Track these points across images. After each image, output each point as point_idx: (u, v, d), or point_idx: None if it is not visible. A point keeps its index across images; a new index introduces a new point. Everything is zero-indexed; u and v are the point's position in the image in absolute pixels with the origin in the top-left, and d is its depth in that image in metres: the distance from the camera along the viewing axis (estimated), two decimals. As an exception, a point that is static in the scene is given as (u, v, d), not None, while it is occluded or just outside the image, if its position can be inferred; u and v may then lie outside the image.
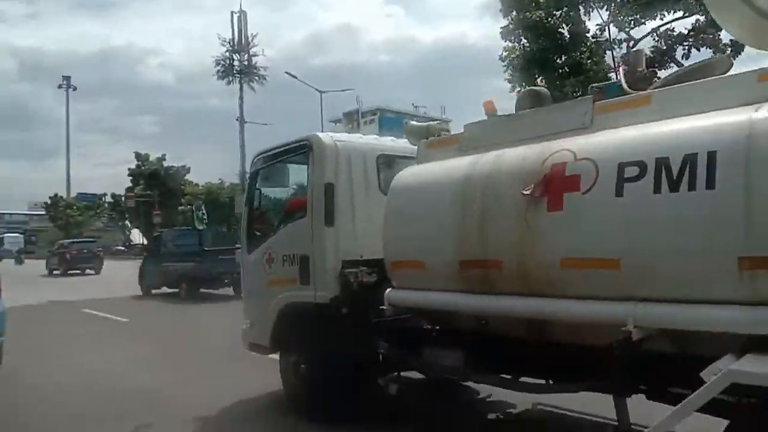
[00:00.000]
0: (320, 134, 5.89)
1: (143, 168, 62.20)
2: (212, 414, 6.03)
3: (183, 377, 7.60)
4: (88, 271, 31.28)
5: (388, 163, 5.95)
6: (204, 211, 31.85)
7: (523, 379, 4.58)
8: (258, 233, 6.51)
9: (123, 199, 62.82)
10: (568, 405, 5.21)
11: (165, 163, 59.53)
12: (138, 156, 64.48)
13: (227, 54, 38.21)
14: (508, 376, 4.59)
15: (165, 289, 18.89)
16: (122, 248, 52.04)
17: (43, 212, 71.83)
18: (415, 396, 6.14)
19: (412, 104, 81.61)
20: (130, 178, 65.62)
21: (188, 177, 58.22)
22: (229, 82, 38.35)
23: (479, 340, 4.68)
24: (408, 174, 5.14)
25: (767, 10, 3.61)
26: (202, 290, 17.84)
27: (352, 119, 71.68)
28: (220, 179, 52.64)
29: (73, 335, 11.19)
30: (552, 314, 3.99)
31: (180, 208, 51.95)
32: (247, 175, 6.97)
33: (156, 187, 56.13)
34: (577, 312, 3.80)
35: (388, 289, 5.06)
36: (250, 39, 38.26)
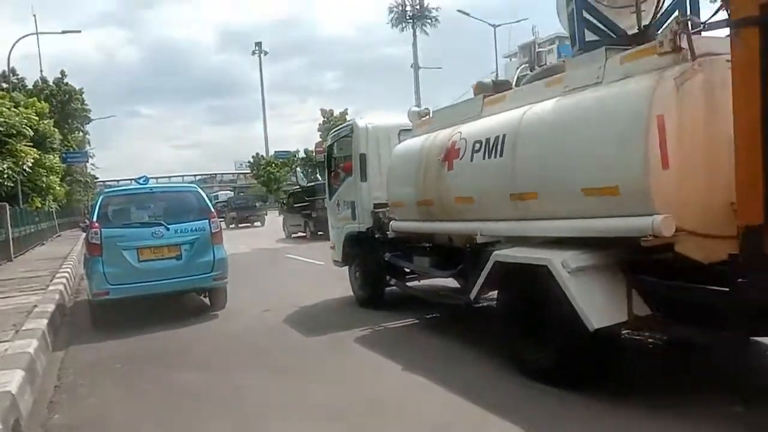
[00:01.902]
0: (358, 120, 8.77)
1: (328, 123, 68.21)
2: (311, 303, 9.37)
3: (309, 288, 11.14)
4: (256, 223, 38.21)
5: (408, 134, 8.62)
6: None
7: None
8: (334, 186, 9.62)
9: (313, 153, 69.63)
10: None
11: (348, 117, 64.97)
12: (323, 112, 70.89)
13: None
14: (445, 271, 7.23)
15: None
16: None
17: (248, 171, 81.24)
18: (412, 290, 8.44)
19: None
20: (319, 133, 72.04)
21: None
22: (402, 29, 50.88)
23: (437, 250, 7.39)
24: (401, 145, 7.90)
25: None
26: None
27: (529, 52, 70.34)
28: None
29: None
30: (454, 230, 6.64)
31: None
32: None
33: (340, 140, 61.36)
34: (464, 228, 6.40)
35: (392, 221, 7.94)
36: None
